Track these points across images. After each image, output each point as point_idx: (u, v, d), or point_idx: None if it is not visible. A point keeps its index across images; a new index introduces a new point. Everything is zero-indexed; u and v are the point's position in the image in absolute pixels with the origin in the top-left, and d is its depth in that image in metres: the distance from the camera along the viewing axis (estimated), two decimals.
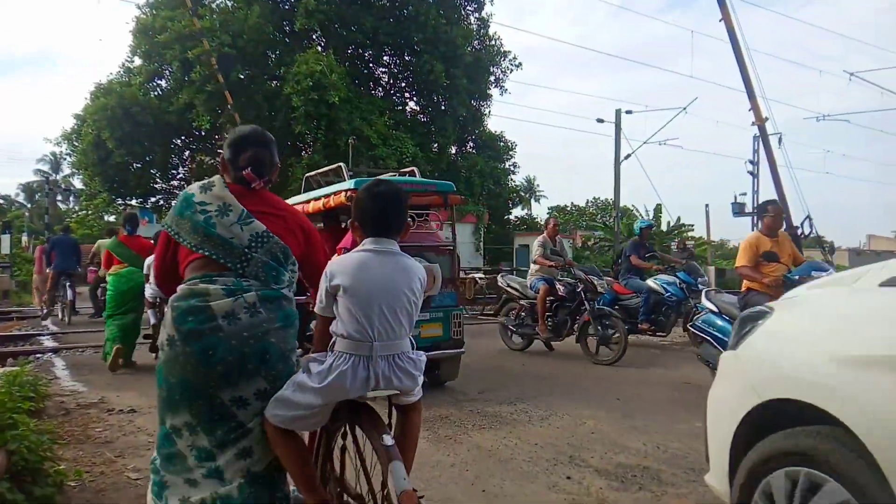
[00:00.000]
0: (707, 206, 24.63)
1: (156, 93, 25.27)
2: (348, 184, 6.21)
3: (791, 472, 2.09)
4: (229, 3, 25.26)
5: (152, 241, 6.85)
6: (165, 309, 2.39)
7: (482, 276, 17.76)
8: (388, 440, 2.10)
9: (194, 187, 2.48)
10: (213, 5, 25.18)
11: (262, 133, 2.65)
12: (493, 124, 30.63)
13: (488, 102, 28.44)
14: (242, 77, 23.23)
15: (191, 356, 2.20)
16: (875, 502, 1.77)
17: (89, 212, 32.18)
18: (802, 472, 2.04)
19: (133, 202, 26.84)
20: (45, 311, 12.69)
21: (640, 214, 40.09)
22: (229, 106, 21.13)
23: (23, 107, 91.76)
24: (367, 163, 21.18)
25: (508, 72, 28.16)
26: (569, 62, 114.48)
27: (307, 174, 8.59)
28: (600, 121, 26.36)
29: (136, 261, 6.92)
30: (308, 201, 6.79)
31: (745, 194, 28.87)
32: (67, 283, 11.77)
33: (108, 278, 7.13)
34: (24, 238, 31.68)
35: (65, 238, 12.77)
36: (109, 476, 3.62)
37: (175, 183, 29.28)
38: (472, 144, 29.62)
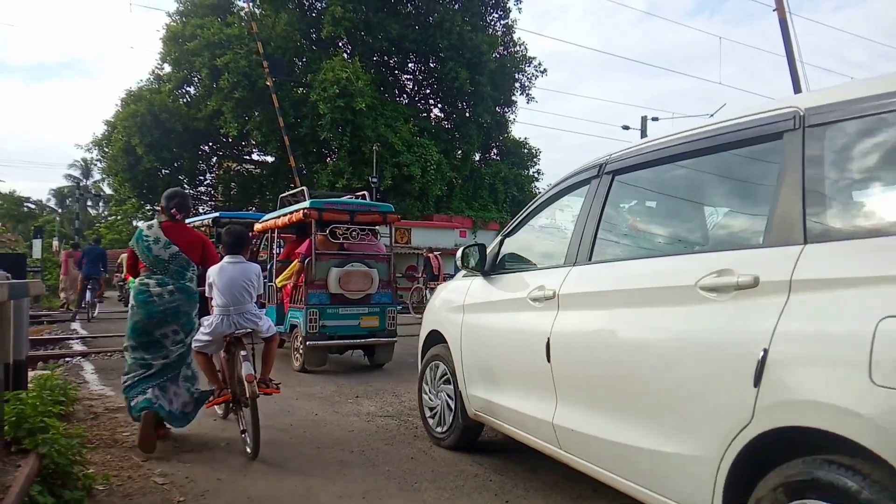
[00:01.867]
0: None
1: (185, 100, 25.66)
2: (304, 204, 7.82)
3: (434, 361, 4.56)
4: (258, 11, 25.60)
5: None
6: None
7: None
8: (243, 353, 4.30)
9: (143, 225, 4.62)
10: (242, 13, 25.53)
11: (182, 191, 4.85)
12: (517, 131, 30.60)
13: (513, 109, 28.44)
14: (269, 84, 23.50)
15: (140, 313, 4.34)
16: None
17: (118, 217, 32.72)
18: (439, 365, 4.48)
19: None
20: (74, 312, 14.43)
21: None
22: (257, 112, 21.38)
23: (55, 113, 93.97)
24: (376, 174, 21.26)
25: (533, 78, 28.15)
26: (593, 68, 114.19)
27: (281, 195, 9.95)
28: (626, 128, 26.14)
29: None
30: (279, 217, 8.41)
31: None
32: (88, 287, 13.86)
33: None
34: (55, 243, 32.23)
35: (94, 248, 14.88)
36: (137, 481, 3.62)
37: (202, 189, 29.67)
38: (495, 151, 29.61)
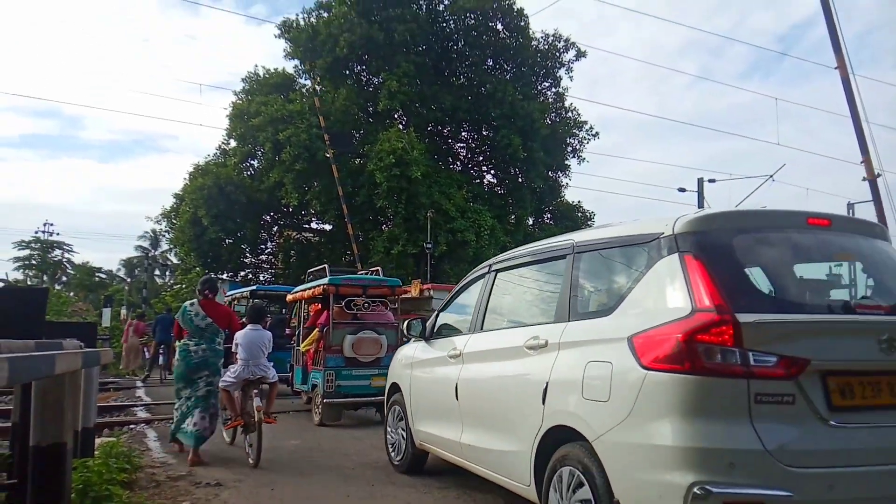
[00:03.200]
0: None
1: (248, 172, 26.79)
2: (323, 280, 9.30)
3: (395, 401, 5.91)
4: (319, 88, 26.82)
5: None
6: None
7: None
8: (255, 392, 6.31)
9: (187, 304, 6.57)
10: (304, 90, 26.77)
11: (212, 278, 7.90)
12: (570, 194, 30.52)
13: (566, 173, 28.55)
14: (328, 156, 24.37)
15: (182, 365, 6.35)
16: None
17: (184, 285, 33.87)
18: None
19: (224, 276, 28.07)
20: (143, 377, 16.82)
21: None
22: (316, 182, 22.10)
23: (127, 188, 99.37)
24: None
25: (585, 142, 28.30)
26: (647, 131, 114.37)
27: (308, 270, 11.76)
28: (682, 190, 25.84)
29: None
30: (307, 290, 9.86)
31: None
32: (161, 351, 16.42)
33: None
34: (123, 311, 33.53)
35: (167, 316, 16.69)
36: None
37: (263, 257, 30.52)
38: (549, 215, 29.61)
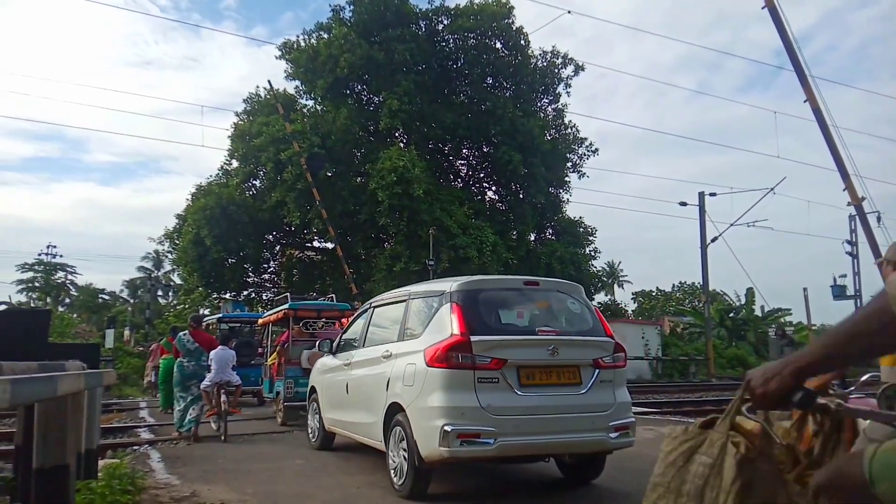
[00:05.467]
0: (805, 290, 23.32)
1: (250, 192, 26.91)
2: (284, 306, 11.54)
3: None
4: (319, 108, 26.97)
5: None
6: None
7: None
8: (224, 391, 9.13)
9: (182, 333, 9.75)
10: (305, 110, 26.94)
11: (198, 314, 11.62)
12: (571, 210, 30.53)
13: (567, 189, 28.62)
14: (330, 174, 24.46)
15: (179, 375, 9.33)
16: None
17: (187, 305, 33.88)
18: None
19: (227, 296, 28.09)
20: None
21: (731, 299, 38.47)
22: (317, 202, 22.24)
23: (129, 209, 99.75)
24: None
25: (585, 157, 28.42)
26: (646, 146, 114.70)
27: (274, 299, 14.25)
28: (683, 204, 25.96)
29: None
30: (271, 314, 12.28)
31: (845, 276, 27.32)
32: None
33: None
34: (126, 332, 33.52)
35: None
36: None
37: (266, 276, 30.55)
38: (551, 231, 29.64)
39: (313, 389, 8.03)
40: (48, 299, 49.22)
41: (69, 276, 54.31)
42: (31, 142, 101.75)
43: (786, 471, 1.62)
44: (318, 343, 8.95)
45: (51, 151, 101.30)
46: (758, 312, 35.05)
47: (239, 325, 17.94)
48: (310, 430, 8.11)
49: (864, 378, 2.64)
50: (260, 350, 14.67)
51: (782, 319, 33.40)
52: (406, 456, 5.17)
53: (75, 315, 45.23)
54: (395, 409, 5.42)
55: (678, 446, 1.66)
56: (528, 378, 5.04)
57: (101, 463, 5.58)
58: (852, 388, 2.41)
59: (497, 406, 4.82)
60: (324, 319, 11.61)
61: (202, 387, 9.09)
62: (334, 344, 7.58)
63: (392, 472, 5.45)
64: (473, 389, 4.88)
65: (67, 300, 54.71)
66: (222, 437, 8.75)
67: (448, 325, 5.17)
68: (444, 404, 4.85)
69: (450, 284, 5.52)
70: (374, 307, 7.04)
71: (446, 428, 4.76)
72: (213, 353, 9.25)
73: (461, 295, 5.33)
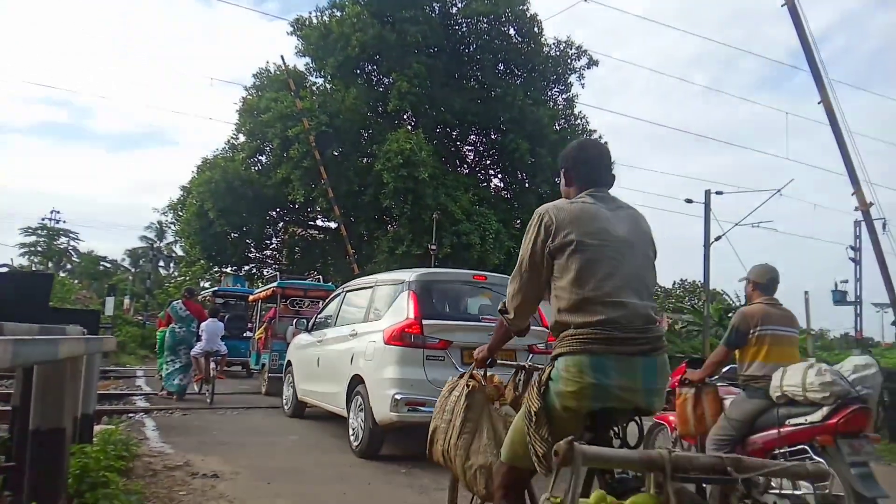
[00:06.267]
0: (807, 293, 23.27)
1: (256, 168, 26.83)
2: (273, 284, 13.00)
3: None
4: (328, 87, 26.82)
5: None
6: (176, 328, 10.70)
7: None
8: (212, 359, 10.37)
9: (176, 302, 11.20)
10: (314, 88, 26.79)
11: (192, 288, 15.66)
12: None
13: None
14: (336, 154, 24.36)
15: (171, 340, 10.52)
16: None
17: (187, 277, 33.97)
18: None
19: (228, 269, 28.14)
20: None
21: (731, 298, 38.44)
22: (323, 181, 22.20)
23: (135, 179, 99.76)
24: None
25: None
26: (655, 142, 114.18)
27: (266, 276, 14.81)
28: (689, 201, 25.74)
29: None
30: (262, 291, 13.93)
31: (846, 281, 27.26)
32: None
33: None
34: (126, 301, 33.61)
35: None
36: None
37: (268, 252, 30.58)
38: None
39: (289, 363, 8.98)
40: (50, 264, 49.33)
41: (72, 243, 54.44)
42: (39, 106, 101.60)
43: (492, 399, 2.99)
44: (294, 321, 9.63)
45: (59, 117, 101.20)
46: None
47: (234, 299, 18.49)
48: (284, 400, 9.09)
49: (725, 370, 4.61)
50: (250, 325, 15.53)
51: None
52: (363, 420, 6.12)
53: (76, 281, 45.34)
54: (356, 381, 6.41)
55: (447, 387, 3.07)
56: (469, 358, 5.48)
57: (96, 428, 5.62)
58: (716, 377, 4.54)
59: (441, 380, 4.94)
60: (310, 299, 12.41)
61: (192, 353, 10.37)
62: (310, 323, 8.51)
63: (351, 434, 6.38)
64: (422, 365, 5.84)
65: (69, 266, 54.84)
66: (208, 400, 9.84)
67: (405, 309, 6.10)
68: (396, 376, 5.81)
69: (409, 274, 6.51)
70: (347, 291, 8.10)
71: (397, 396, 5.70)
72: (203, 324, 10.58)
73: (418, 284, 6.29)
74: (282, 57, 25.84)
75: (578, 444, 1.56)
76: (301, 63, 26.95)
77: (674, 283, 53.79)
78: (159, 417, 8.27)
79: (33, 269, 45.43)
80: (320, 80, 27.62)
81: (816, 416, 3.74)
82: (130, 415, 8.31)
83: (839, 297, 26.87)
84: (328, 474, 5.43)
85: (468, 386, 2.93)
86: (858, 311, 26.40)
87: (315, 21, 25.69)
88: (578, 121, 28.09)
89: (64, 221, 51.88)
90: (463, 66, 26.93)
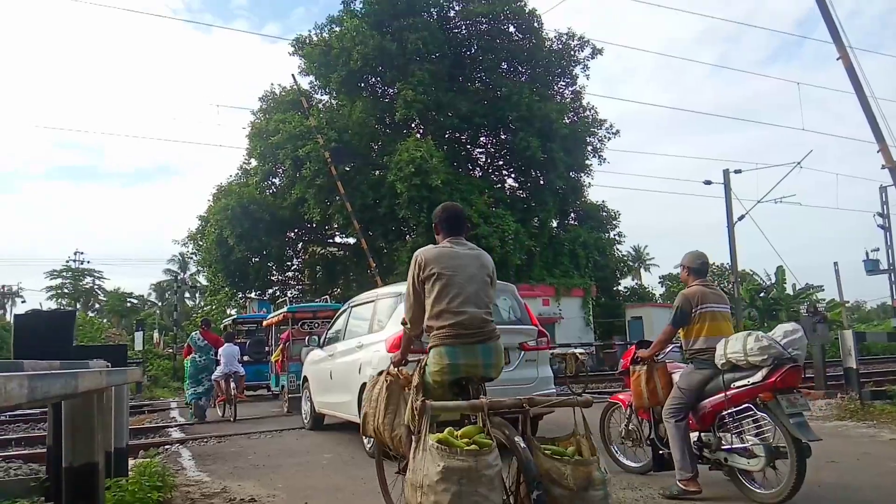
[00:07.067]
0: (836, 264, 22.77)
1: (270, 190, 27.00)
2: (284, 309, 14.13)
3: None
4: (334, 103, 26.91)
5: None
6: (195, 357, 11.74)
7: (582, 350, 16.30)
8: (232, 380, 11.30)
9: (194, 333, 12.31)
10: (320, 105, 26.89)
11: (207, 319, 14.64)
12: (594, 194, 30.24)
13: (588, 173, 28.28)
14: (348, 169, 24.40)
15: (192, 369, 11.56)
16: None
17: (213, 306, 34.16)
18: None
19: (252, 294, 28.26)
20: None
21: (761, 278, 37.83)
22: (338, 197, 22.24)
23: (152, 213, 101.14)
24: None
25: (606, 140, 28.03)
26: (668, 126, 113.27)
27: (276, 302, 16.64)
28: (708, 182, 25.41)
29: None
30: (274, 317, 14.82)
31: (877, 249, 26.70)
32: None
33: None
34: (156, 335, 33.91)
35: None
36: None
37: (290, 274, 30.68)
38: (573, 216, 29.34)
39: (305, 378, 9.35)
40: (77, 305, 50.02)
41: (97, 282, 55.24)
42: (55, 150, 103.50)
43: (404, 387, 3.64)
44: (307, 338, 10.10)
45: (74, 160, 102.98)
46: (789, 291, 34.43)
47: (254, 325, 19.10)
48: (303, 414, 9.52)
49: (668, 350, 5.11)
50: (267, 348, 16.32)
51: (814, 297, 32.78)
52: None
53: (105, 320, 45.91)
54: (364, 387, 6.68)
55: (370, 383, 3.92)
56: None
57: (132, 462, 5.58)
58: (662, 355, 5.06)
59: None
60: (320, 319, 12.93)
61: (213, 377, 11.33)
62: (321, 339, 8.96)
63: (364, 438, 6.57)
64: None
65: (97, 305, 55.63)
66: (231, 419, 10.75)
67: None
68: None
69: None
70: (353, 306, 8.50)
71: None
72: (221, 349, 11.51)
73: None
74: (293, 76, 25.95)
75: (428, 401, 2.96)
76: (305, 82, 27.14)
77: None
78: (195, 447, 8.24)
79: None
80: (325, 97, 27.77)
81: (757, 376, 4.32)
82: (166, 446, 8.29)
83: (871, 267, 26.31)
84: (363, 489, 5.32)
85: (387, 380, 3.75)
86: (893, 279, 25.83)
87: (315, 39, 25.83)
88: (587, 112, 27.89)
89: (88, 261, 52.75)
90: (466, 69, 26.90)
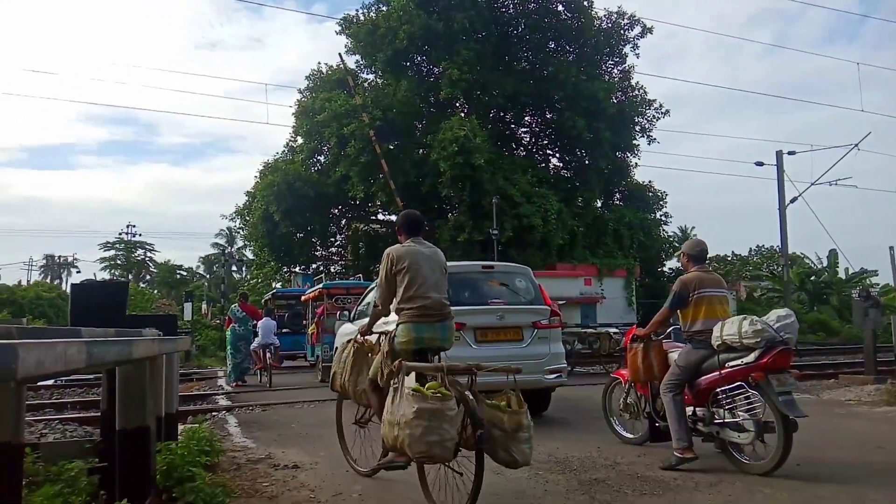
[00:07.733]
0: (892, 248, 21.93)
1: (316, 167, 27.31)
2: (319, 286, 15.77)
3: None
4: (380, 82, 26.96)
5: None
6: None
7: (616, 330, 16.01)
8: (269, 352, 12.76)
9: (234, 305, 13.83)
10: (365, 84, 26.99)
11: (245, 292, 17.31)
12: (641, 174, 29.64)
13: (635, 153, 27.80)
14: (392, 147, 24.51)
15: (232, 338, 12.63)
16: None
17: (259, 280, 34.92)
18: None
19: (297, 269, 28.78)
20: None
21: (812, 262, 36.78)
22: (381, 175, 22.38)
23: (202, 189, 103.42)
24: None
25: (655, 120, 27.49)
26: (719, 105, 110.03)
27: (315, 278, 18.07)
28: (760, 164, 24.73)
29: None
30: (311, 293, 16.20)
31: None
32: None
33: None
34: (204, 306, 34.85)
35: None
36: None
37: (333, 250, 31.11)
38: (618, 196, 28.92)
39: (337, 349, 10.05)
40: (129, 276, 51.67)
41: (148, 254, 56.91)
42: (106, 126, 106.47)
43: (367, 353, 4.74)
44: (338, 312, 10.65)
45: (125, 135, 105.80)
46: (841, 275, 33.41)
47: (294, 300, 20.26)
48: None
49: (669, 330, 5.52)
50: (305, 321, 17.52)
51: (867, 281, 31.73)
52: None
53: (155, 291, 47.37)
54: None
55: (341, 348, 5.07)
56: (482, 336, 6.85)
57: (181, 427, 5.83)
58: (662, 335, 5.43)
59: (458, 357, 5.52)
60: (352, 296, 13.83)
61: (252, 347, 12.64)
62: (352, 314, 9.15)
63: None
64: None
65: (147, 277, 57.39)
66: (268, 385, 11.92)
67: None
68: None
69: None
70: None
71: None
72: (259, 322, 12.82)
73: None
74: (340, 55, 26.15)
75: (404, 361, 3.94)
76: (351, 61, 27.26)
77: (750, 251, 51.64)
78: (241, 414, 8.52)
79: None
80: (371, 76, 27.85)
81: (750, 357, 4.59)
82: (214, 413, 8.59)
83: None
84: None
85: (354, 346, 4.82)
86: None
87: (362, 18, 25.87)
88: (636, 92, 27.35)
89: (140, 234, 54.27)
90: (512, 48, 26.61)
